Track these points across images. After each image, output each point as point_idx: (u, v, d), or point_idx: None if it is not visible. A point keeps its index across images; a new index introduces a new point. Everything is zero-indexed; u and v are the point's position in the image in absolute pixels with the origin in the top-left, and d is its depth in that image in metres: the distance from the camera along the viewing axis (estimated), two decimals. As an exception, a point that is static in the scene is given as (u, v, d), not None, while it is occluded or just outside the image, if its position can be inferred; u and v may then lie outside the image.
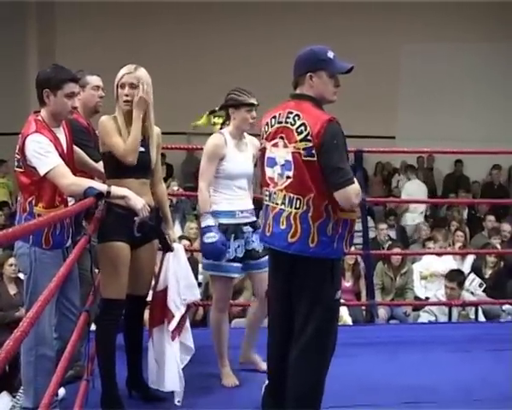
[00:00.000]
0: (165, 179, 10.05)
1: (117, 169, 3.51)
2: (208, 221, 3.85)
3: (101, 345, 3.57)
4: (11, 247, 4.18)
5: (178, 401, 3.63)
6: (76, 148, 3.65)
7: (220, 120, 4.16)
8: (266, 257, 3.99)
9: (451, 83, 12.01)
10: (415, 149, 8.60)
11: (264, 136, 3.25)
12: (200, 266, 6.50)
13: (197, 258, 6.64)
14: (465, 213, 10.43)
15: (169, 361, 3.65)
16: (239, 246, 3.94)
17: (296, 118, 3.08)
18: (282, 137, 3.13)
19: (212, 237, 3.80)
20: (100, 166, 3.77)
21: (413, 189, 10.63)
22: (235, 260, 3.93)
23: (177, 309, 3.71)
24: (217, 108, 4.12)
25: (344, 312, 6.09)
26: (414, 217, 10.33)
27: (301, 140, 3.02)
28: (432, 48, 11.83)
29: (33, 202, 3.33)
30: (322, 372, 3.19)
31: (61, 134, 3.43)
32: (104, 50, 10.70)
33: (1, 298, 5.96)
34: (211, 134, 4.08)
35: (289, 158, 3.08)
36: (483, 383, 4.13)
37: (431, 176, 12.37)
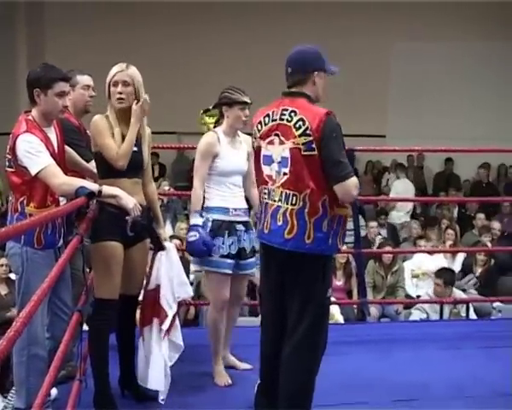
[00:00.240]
0: (156, 179, 10.07)
1: (110, 169, 3.50)
2: (195, 220, 3.88)
3: (93, 345, 3.57)
4: (2, 247, 4.17)
5: (162, 400, 3.67)
6: (67, 147, 3.64)
7: (212, 120, 4.17)
8: (253, 259, 4.04)
9: (443, 82, 12.05)
10: (405, 148, 8.61)
11: (258, 134, 3.25)
12: (191, 266, 6.50)
13: (188, 258, 6.63)
14: (455, 212, 10.47)
15: (155, 361, 3.68)
16: (232, 243, 3.94)
17: (293, 114, 3.10)
18: (277, 135, 3.14)
19: (194, 235, 3.83)
20: (91, 165, 3.77)
21: (401, 188, 10.64)
22: (228, 256, 3.93)
23: (170, 308, 3.73)
24: (211, 107, 4.12)
25: (335, 310, 6.09)
26: (400, 216, 10.35)
27: (300, 135, 3.05)
28: (422, 47, 11.88)
29: (25, 201, 3.32)
30: (313, 370, 3.20)
31: (52, 134, 3.42)
32: (96, 53, 10.64)
33: (-8, 299, 5.94)
34: (202, 133, 4.08)
35: (285, 154, 3.10)
36: (474, 381, 4.16)
37: (421, 174, 12.42)
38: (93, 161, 3.72)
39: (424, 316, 6.23)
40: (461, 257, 7.85)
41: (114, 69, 3.53)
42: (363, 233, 8.21)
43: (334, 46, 11.21)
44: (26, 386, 3.35)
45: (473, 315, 6.42)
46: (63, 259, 2.90)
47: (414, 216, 10.40)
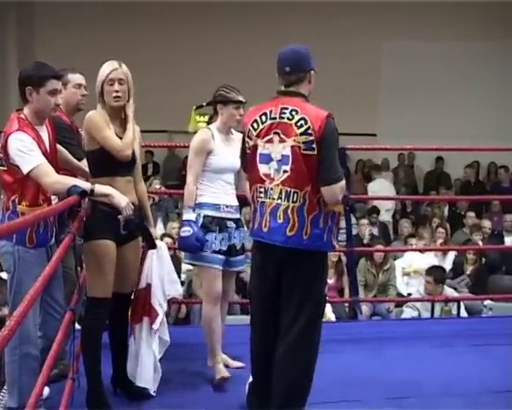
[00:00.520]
0: (148, 179, 10.05)
1: (105, 168, 3.49)
2: (188, 215, 3.89)
3: (86, 344, 3.56)
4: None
5: (154, 392, 3.75)
6: (59, 146, 3.63)
7: (205, 119, 4.17)
8: (242, 256, 4.04)
9: (438, 81, 12.09)
10: (396, 147, 8.63)
11: (255, 133, 3.22)
12: (182, 265, 6.50)
13: (180, 256, 6.63)
14: (446, 210, 10.50)
15: (145, 359, 3.73)
16: (223, 239, 3.95)
17: (294, 113, 3.12)
18: (276, 133, 3.15)
19: (187, 231, 3.84)
20: (83, 164, 3.76)
21: (377, 187, 10.42)
22: (219, 252, 3.93)
23: (161, 307, 3.79)
24: (204, 104, 4.11)
25: (327, 308, 6.11)
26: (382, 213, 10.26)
27: (301, 134, 3.07)
28: (412, 46, 11.91)
29: (16, 200, 3.31)
30: (310, 368, 3.21)
31: (44, 132, 3.41)
32: (87, 54, 10.56)
33: (-18, 298, 5.90)
34: (194, 132, 4.08)
35: (286, 152, 3.11)
36: (466, 378, 4.17)
37: (412, 173, 12.45)
38: (85, 159, 3.71)
39: (415, 314, 6.25)
40: (451, 255, 7.88)
41: (108, 67, 3.50)
42: (353, 231, 8.21)
43: (335, 46, 11.39)
44: (18, 385, 3.35)
45: (464, 313, 6.44)
46: (56, 257, 2.89)
47: (405, 215, 10.41)
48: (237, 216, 4.07)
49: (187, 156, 4.12)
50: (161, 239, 5.17)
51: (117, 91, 3.49)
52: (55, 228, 3.52)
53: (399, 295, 7.34)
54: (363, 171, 12.34)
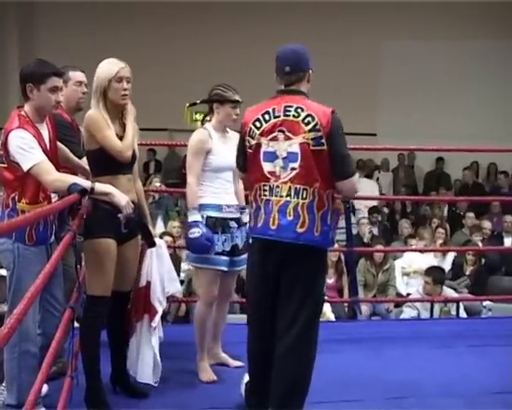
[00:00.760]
0: (149, 177, 10.05)
1: (107, 166, 3.47)
2: (195, 216, 3.88)
3: (85, 342, 3.55)
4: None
5: (156, 382, 3.78)
6: (59, 144, 3.62)
7: (200, 117, 4.16)
8: (245, 255, 4.03)
9: (438, 81, 12.09)
10: (396, 147, 8.63)
11: (258, 132, 3.21)
12: (182, 264, 6.49)
13: (180, 255, 6.63)
14: (445, 211, 10.49)
15: (146, 355, 3.76)
16: (226, 240, 3.95)
17: (299, 110, 3.14)
18: (282, 131, 3.16)
19: (197, 232, 3.82)
20: (83, 162, 3.75)
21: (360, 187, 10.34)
22: (223, 253, 3.93)
23: (160, 305, 3.81)
24: (198, 102, 4.10)
25: (327, 308, 6.10)
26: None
27: (310, 130, 3.10)
28: (412, 45, 11.91)
29: (16, 197, 3.31)
30: (310, 368, 3.21)
31: (45, 130, 3.40)
32: (86, 53, 10.55)
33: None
34: (193, 130, 4.07)
35: (293, 150, 3.13)
36: (465, 379, 4.17)
37: (412, 173, 12.45)
38: (85, 157, 3.70)
39: (415, 313, 6.25)
40: (451, 256, 7.88)
41: (115, 65, 3.47)
42: (354, 231, 8.20)
43: (335, 45, 11.39)
44: (17, 382, 3.35)
45: (463, 314, 6.45)
46: (56, 255, 2.88)
47: (405, 215, 10.41)
48: (238, 215, 4.06)
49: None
50: (161, 238, 5.18)
51: (125, 89, 3.48)
52: (55, 226, 3.52)
53: (399, 295, 7.34)
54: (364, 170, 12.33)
